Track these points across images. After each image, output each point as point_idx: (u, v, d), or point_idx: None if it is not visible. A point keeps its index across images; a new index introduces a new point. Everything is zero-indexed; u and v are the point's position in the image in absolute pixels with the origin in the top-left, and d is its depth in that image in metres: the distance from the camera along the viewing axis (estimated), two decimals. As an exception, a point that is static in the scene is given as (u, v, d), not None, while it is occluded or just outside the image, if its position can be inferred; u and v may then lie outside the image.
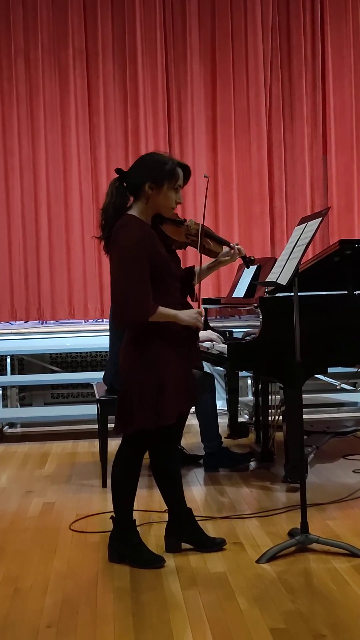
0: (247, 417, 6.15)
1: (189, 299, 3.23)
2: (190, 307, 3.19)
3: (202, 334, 4.73)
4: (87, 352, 7.13)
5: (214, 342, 4.65)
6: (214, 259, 3.40)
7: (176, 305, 3.09)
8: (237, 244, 3.42)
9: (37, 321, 7.46)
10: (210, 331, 4.84)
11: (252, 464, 4.77)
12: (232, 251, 3.39)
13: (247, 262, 3.48)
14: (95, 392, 4.64)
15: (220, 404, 5.54)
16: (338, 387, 6.65)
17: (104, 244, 3.12)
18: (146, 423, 3.03)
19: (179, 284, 3.18)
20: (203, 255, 3.30)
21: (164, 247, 3.12)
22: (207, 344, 4.77)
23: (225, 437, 4.85)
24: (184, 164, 3.16)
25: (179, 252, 3.32)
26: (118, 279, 2.99)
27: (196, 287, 3.25)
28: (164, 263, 3.06)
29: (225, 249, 3.40)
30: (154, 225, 3.15)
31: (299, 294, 3.27)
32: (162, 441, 3.23)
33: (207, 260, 3.38)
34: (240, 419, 5.52)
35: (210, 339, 4.69)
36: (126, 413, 3.06)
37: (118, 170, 3.13)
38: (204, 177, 3.31)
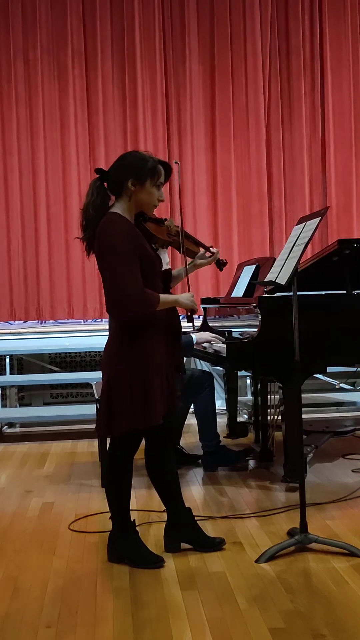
0: (247, 416, 6.16)
1: None
2: (176, 311, 3.20)
3: (199, 336, 4.73)
4: (86, 352, 7.14)
5: (212, 343, 4.65)
6: (190, 262, 3.39)
7: None
8: (211, 246, 3.44)
9: (36, 321, 7.47)
10: (207, 333, 4.84)
11: (251, 463, 4.77)
12: (207, 253, 3.40)
13: (220, 265, 3.49)
14: (94, 391, 4.64)
15: (220, 404, 5.53)
16: (337, 387, 6.65)
17: (86, 244, 3.12)
18: (134, 424, 3.03)
19: (162, 284, 3.18)
20: (180, 256, 3.33)
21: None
22: (205, 344, 4.77)
23: (224, 437, 4.85)
24: (165, 162, 3.18)
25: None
26: (114, 275, 2.97)
27: (172, 289, 3.29)
28: (151, 261, 3.06)
29: (201, 250, 3.41)
30: (137, 223, 3.15)
31: (297, 293, 3.27)
32: (154, 441, 3.23)
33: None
34: (239, 419, 5.53)
35: (207, 340, 4.69)
36: (114, 415, 3.05)
37: (98, 170, 3.13)
38: (175, 163, 3.30)
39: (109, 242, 2.99)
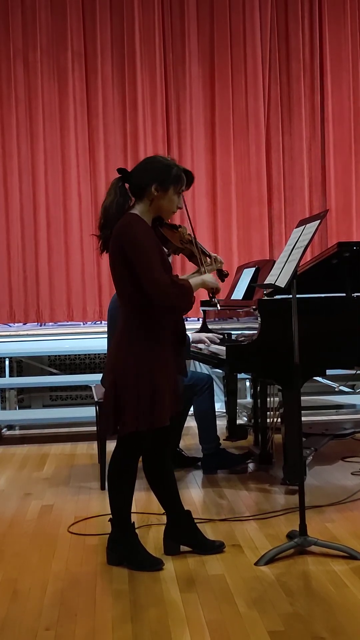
0: (246, 419, 6.15)
1: None
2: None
3: (194, 336, 4.74)
4: (85, 354, 7.13)
5: (206, 344, 4.65)
6: (197, 270, 3.38)
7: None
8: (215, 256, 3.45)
9: (36, 323, 7.47)
10: (203, 333, 4.84)
11: (251, 466, 4.77)
12: (210, 260, 3.41)
13: (222, 275, 3.51)
14: (94, 394, 4.64)
15: (219, 406, 5.53)
16: (336, 389, 6.65)
17: (101, 243, 3.12)
18: (141, 425, 3.03)
19: None
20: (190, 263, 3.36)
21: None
22: (200, 345, 4.77)
23: (224, 439, 4.84)
24: (188, 171, 3.20)
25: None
26: (146, 269, 2.96)
27: None
28: (165, 266, 3.07)
29: (208, 260, 3.42)
30: (154, 228, 3.16)
31: (297, 296, 3.27)
32: (156, 444, 3.23)
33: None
34: (239, 421, 5.52)
35: (201, 340, 4.70)
36: (120, 415, 3.06)
37: (121, 170, 3.13)
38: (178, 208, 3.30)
39: (134, 240, 2.99)
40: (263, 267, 4.69)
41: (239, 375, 5.63)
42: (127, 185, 3.12)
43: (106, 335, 4.69)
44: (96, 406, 4.51)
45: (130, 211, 3.09)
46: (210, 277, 3.25)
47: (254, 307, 4.19)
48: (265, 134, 7.63)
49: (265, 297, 4.18)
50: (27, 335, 6.98)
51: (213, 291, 3.26)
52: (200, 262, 3.29)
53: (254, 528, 3.60)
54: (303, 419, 3.49)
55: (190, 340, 4.67)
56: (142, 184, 3.08)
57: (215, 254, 3.46)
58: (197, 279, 3.19)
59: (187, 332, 4.66)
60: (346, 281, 4.29)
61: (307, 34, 7.67)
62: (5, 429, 6.41)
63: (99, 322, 7.51)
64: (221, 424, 4.95)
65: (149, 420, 3.03)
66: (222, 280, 3.61)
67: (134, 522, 3.25)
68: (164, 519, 3.37)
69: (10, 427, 6.52)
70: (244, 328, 4.53)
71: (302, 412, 3.41)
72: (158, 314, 3.06)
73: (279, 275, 3.34)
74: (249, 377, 6.13)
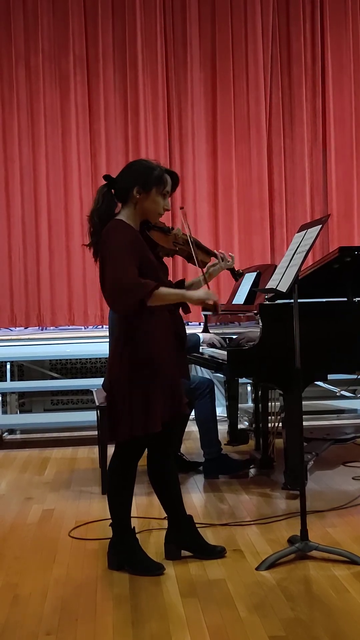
0: (247, 423, 6.15)
1: (180, 311, 3.22)
2: (181, 319, 3.20)
3: (205, 336, 4.76)
4: (86, 359, 7.13)
5: (217, 346, 4.67)
6: (204, 271, 3.38)
7: (164, 313, 3.09)
8: (223, 252, 3.43)
9: (37, 327, 7.47)
10: (213, 335, 4.86)
11: (252, 471, 4.76)
12: (220, 260, 3.40)
13: (235, 275, 3.49)
14: (95, 398, 4.63)
15: (220, 411, 5.53)
16: (338, 394, 6.64)
17: (93, 250, 3.13)
18: (135, 431, 3.03)
19: None
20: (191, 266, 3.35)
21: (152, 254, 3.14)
22: (210, 348, 4.78)
23: (225, 444, 4.85)
24: (172, 171, 3.20)
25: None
26: (111, 271, 2.96)
27: None
28: (153, 269, 3.06)
29: (213, 260, 3.41)
30: (141, 232, 3.16)
31: (298, 300, 3.27)
32: (157, 448, 3.23)
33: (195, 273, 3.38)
34: (240, 426, 5.53)
35: (211, 340, 4.72)
36: (116, 421, 3.06)
37: (106, 177, 3.15)
38: (180, 209, 3.30)
39: (109, 246, 3.00)
40: (264, 272, 4.70)
41: (240, 380, 5.63)
42: (113, 191, 3.13)
43: (107, 340, 4.69)
44: (97, 410, 4.50)
45: (116, 217, 3.10)
46: (197, 293, 3.10)
47: (255, 311, 4.19)
48: (266, 138, 7.64)
49: (267, 302, 4.17)
50: (29, 339, 6.98)
51: (206, 306, 3.12)
52: (197, 264, 3.27)
53: (255, 533, 3.60)
54: (304, 423, 3.48)
55: (201, 340, 4.69)
56: (125, 188, 3.10)
57: (224, 252, 3.44)
58: (177, 291, 3.10)
59: (197, 333, 4.72)
60: (347, 286, 4.29)
61: (308, 38, 7.69)
62: (6, 433, 6.41)
63: (100, 326, 7.51)
64: (222, 428, 4.95)
65: (143, 426, 3.02)
66: (236, 279, 3.59)
67: (134, 527, 3.25)
68: (165, 523, 3.37)
69: (11, 431, 6.52)
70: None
71: (303, 416, 3.41)
72: (153, 319, 3.05)
73: (281, 280, 3.34)
74: (250, 381, 6.13)
